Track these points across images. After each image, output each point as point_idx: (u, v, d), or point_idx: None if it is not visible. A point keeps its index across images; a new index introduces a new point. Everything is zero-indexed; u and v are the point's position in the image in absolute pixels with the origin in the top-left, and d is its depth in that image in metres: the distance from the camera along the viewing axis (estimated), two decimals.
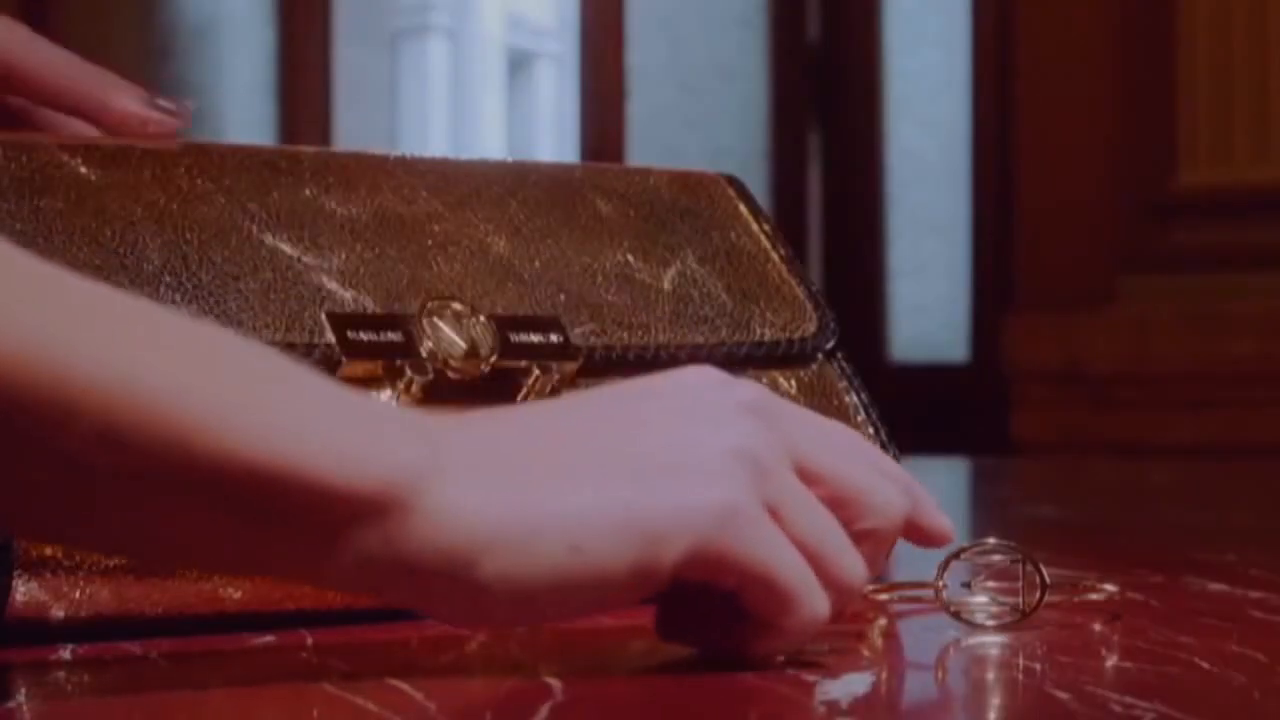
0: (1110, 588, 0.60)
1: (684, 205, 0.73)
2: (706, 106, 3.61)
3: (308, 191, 0.65)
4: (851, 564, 0.48)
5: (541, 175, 0.71)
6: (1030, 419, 2.87)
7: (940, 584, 0.55)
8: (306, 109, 3.45)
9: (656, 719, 0.46)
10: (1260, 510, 1.21)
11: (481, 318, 0.64)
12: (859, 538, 0.49)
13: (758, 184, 3.59)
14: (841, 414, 0.69)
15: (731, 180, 0.76)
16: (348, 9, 3.55)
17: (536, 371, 0.63)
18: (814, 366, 0.71)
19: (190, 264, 0.61)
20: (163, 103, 0.63)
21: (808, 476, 0.48)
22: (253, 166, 0.66)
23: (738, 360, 0.68)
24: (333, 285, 0.62)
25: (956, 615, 0.56)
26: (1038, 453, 2.77)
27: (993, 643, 0.55)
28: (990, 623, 0.56)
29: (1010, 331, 2.98)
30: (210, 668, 0.52)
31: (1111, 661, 0.52)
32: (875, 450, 0.52)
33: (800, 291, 0.72)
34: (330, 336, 0.62)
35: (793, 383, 0.69)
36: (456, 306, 0.63)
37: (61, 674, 0.50)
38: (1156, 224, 2.82)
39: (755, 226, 0.74)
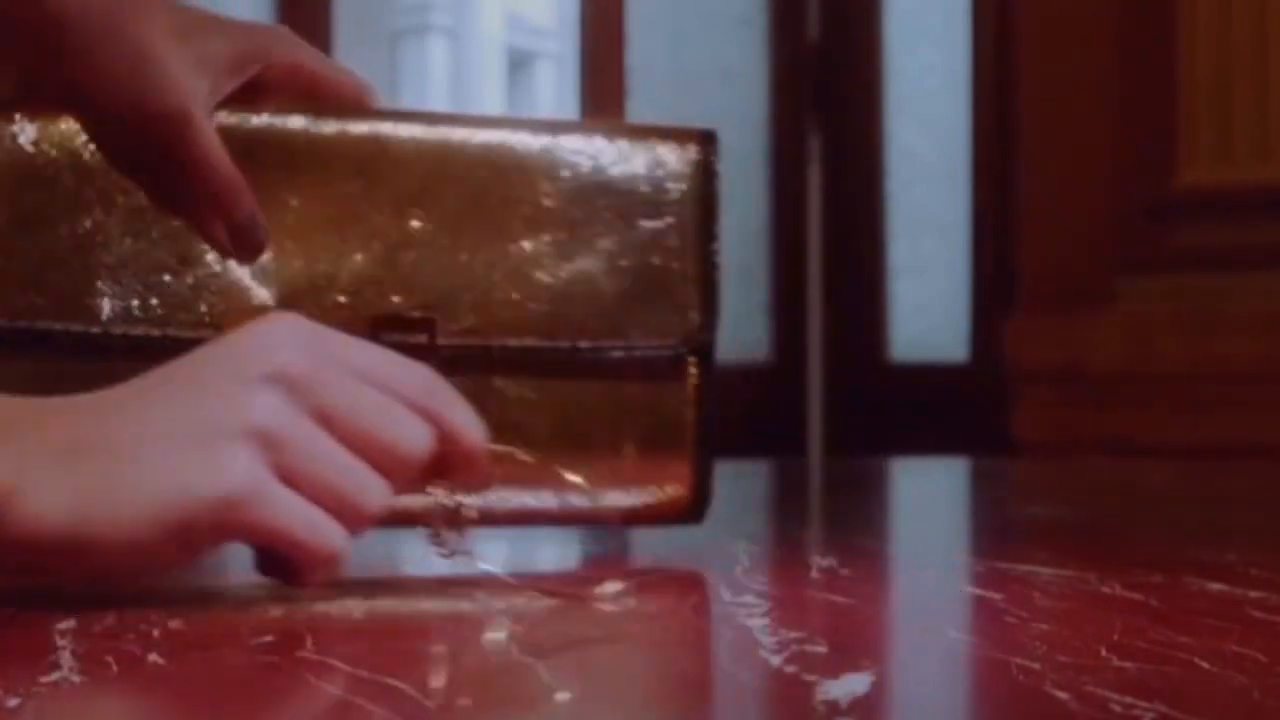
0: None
1: (628, 187, 0.73)
2: (706, 106, 3.61)
3: (274, 178, 0.69)
4: (369, 496, 0.57)
5: (502, 153, 0.72)
6: (1030, 419, 2.87)
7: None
8: None
9: (655, 719, 0.46)
10: (1260, 510, 1.21)
11: (338, 299, 0.68)
12: (384, 469, 0.57)
13: (758, 184, 3.59)
14: (670, 427, 0.71)
15: (703, 147, 0.75)
16: (348, 9, 3.55)
17: None
18: (665, 381, 0.72)
19: (140, 259, 0.67)
20: (243, 221, 0.67)
21: (331, 423, 0.56)
22: (289, 156, 0.69)
23: (599, 366, 0.70)
24: (251, 283, 0.67)
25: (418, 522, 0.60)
26: (1038, 453, 2.77)
27: (993, 643, 0.55)
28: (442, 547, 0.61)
29: (1010, 331, 2.98)
30: (210, 668, 0.52)
31: (1111, 661, 0.52)
32: (418, 386, 0.58)
33: (692, 292, 0.72)
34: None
35: (637, 387, 0.71)
36: (340, 299, 0.68)
37: (61, 674, 0.50)
38: (1156, 224, 2.82)
39: (691, 210, 0.73)
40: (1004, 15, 3.23)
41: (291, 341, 0.57)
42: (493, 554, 0.90)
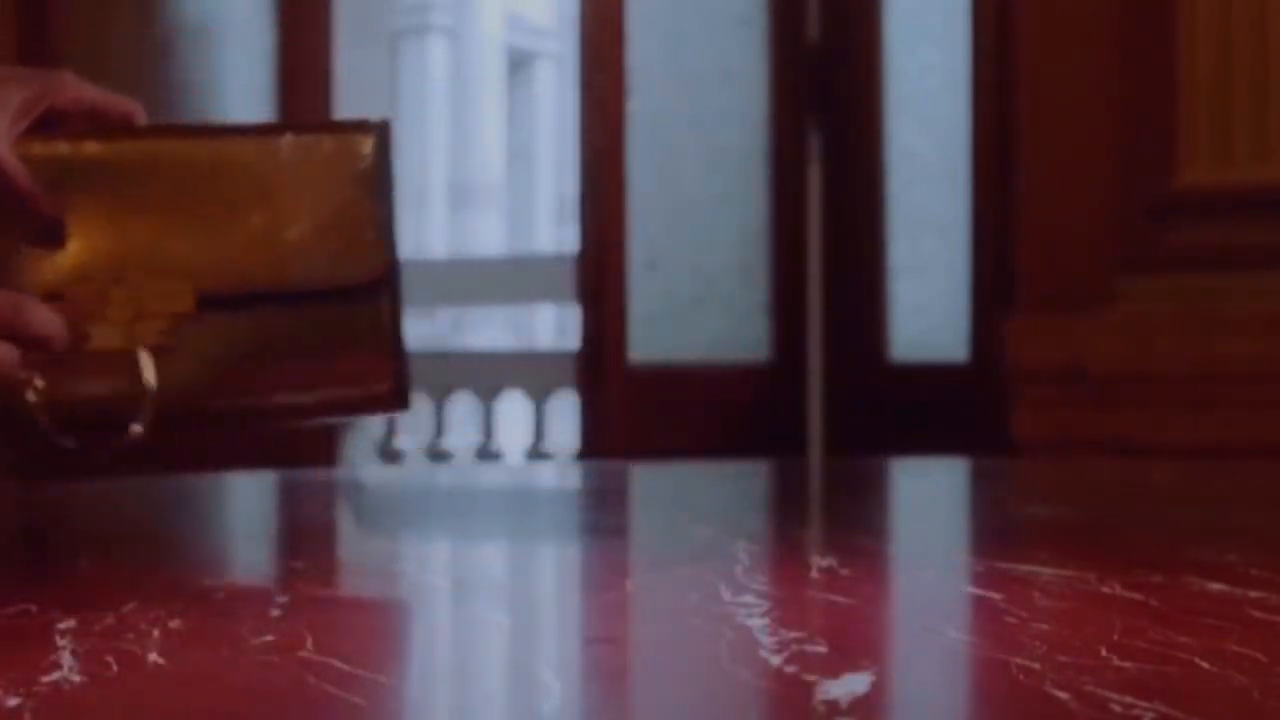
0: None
1: (325, 169, 0.94)
2: (706, 106, 3.61)
3: (69, 189, 0.89)
4: None
5: (231, 155, 0.94)
6: (1030, 419, 2.87)
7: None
8: (306, 109, 3.45)
9: (655, 719, 0.46)
10: (1260, 510, 1.21)
11: (124, 272, 0.89)
12: None
13: (758, 184, 3.58)
14: (373, 337, 0.92)
15: (379, 134, 0.95)
16: (348, 9, 3.55)
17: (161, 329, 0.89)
18: (366, 304, 0.93)
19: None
20: (49, 217, 0.89)
21: None
22: (80, 171, 0.90)
23: (318, 300, 0.92)
24: (52, 267, 0.88)
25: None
26: (1038, 453, 2.77)
27: (993, 643, 0.55)
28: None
29: (1010, 331, 2.98)
30: (210, 668, 0.52)
31: (1112, 661, 0.52)
32: (5, 312, 0.81)
33: (379, 237, 0.94)
34: None
35: (346, 311, 0.93)
36: (126, 272, 0.88)
37: (61, 674, 0.50)
38: (1156, 224, 2.82)
39: (369, 184, 0.94)
40: (1004, 15, 3.22)
41: None
42: (493, 553, 0.90)
